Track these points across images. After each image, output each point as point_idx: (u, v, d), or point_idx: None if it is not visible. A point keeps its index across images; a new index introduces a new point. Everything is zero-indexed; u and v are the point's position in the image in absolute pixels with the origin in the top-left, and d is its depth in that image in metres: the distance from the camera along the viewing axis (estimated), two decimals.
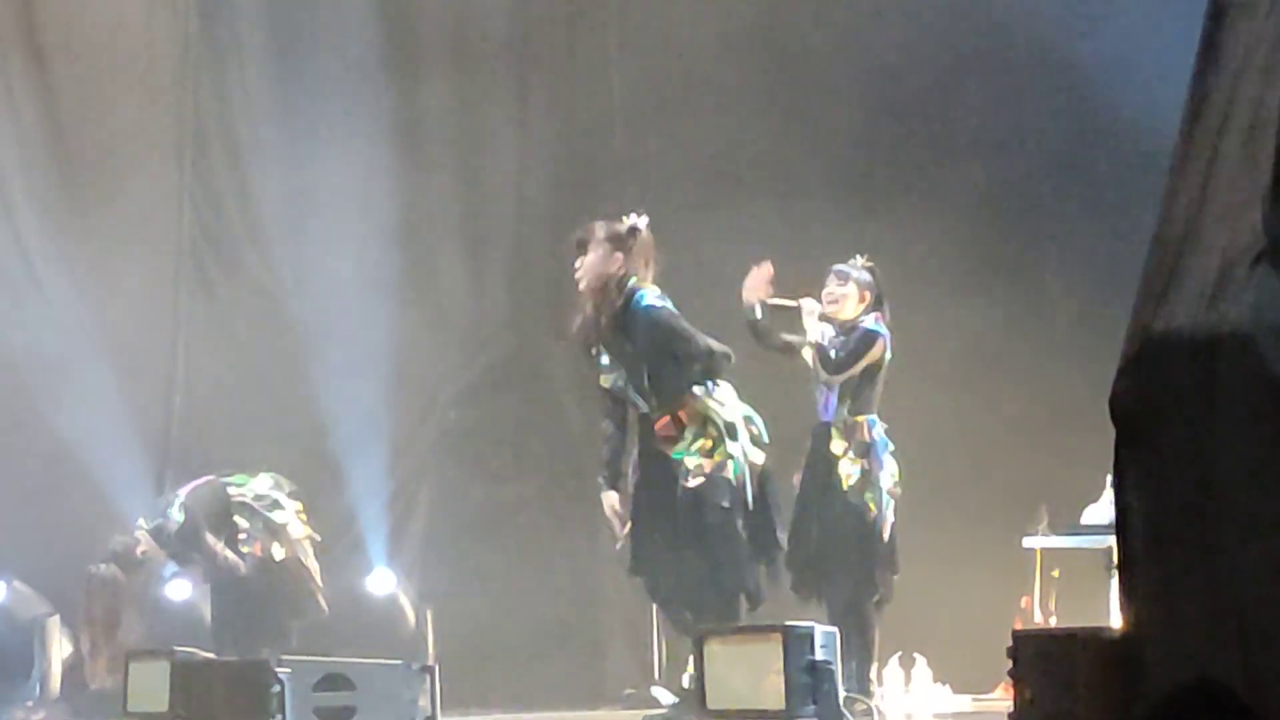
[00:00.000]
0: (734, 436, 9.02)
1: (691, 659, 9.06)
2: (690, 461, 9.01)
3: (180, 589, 11.27)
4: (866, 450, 9.60)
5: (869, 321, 9.71)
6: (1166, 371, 3.80)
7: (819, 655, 8.16)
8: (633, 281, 9.05)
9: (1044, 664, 4.66)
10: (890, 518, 9.51)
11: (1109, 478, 8.32)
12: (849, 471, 9.55)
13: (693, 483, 8.99)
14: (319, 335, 12.01)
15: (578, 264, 9.07)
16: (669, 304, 9.09)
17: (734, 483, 9.00)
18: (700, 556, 8.93)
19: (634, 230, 9.10)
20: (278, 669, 8.92)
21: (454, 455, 12.70)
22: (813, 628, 8.49)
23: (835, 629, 8.60)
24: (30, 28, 12.35)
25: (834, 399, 9.67)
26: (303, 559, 10.98)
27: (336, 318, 12.24)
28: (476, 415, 12.70)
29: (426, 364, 12.71)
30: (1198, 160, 3.98)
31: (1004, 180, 12.33)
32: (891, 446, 9.69)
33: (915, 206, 12.21)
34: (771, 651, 8.07)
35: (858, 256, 9.88)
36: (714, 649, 8.40)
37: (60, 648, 10.95)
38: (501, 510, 12.69)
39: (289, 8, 12.81)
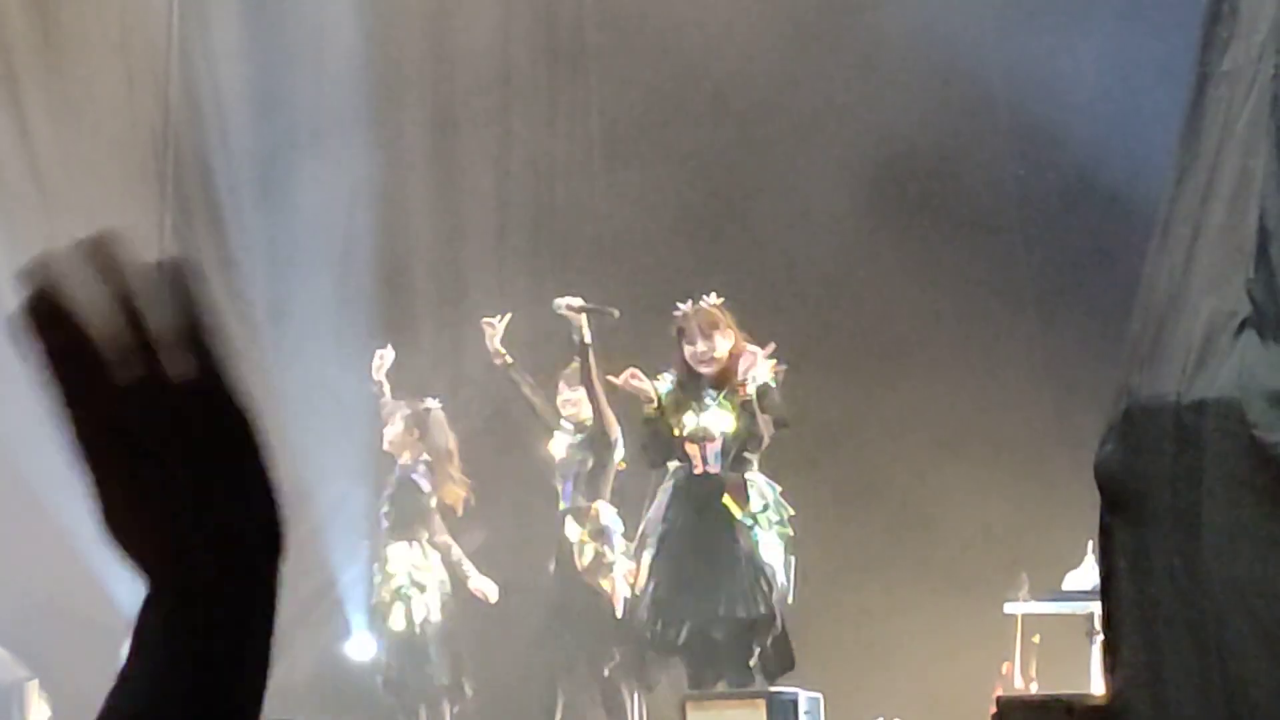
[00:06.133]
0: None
1: None
2: (759, 530, 9.24)
3: None
4: (601, 534, 10.15)
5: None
6: (1152, 436, 3.81)
7: None
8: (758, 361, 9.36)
9: None
10: (625, 594, 9.97)
11: (1090, 543, 8.31)
12: (584, 554, 10.11)
13: (760, 543, 9.19)
14: (298, 398, 11.96)
15: (703, 346, 9.32)
16: None
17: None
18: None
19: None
20: None
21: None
22: (796, 694, 8.49)
23: (819, 695, 8.60)
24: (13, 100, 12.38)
25: (570, 487, 10.27)
26: None
27: (315, 380, 12.21)
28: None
29: None
30: (1182, 228, 4.01)
31: (986, 247, 12.36)
32: (623, 528, 10.14)
33: (909, 274, 12.26)
34: (755, 717, 8.05)
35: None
36: (697, 715, 8.39)
37: (39, 712, 10.89)
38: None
39: (273, 67, 12.83)
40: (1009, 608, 10.20)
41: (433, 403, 11.14)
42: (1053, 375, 11.74)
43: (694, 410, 9.32)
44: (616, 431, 10.08)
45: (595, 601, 10.09)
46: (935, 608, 11.28)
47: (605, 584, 10.07)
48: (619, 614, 9.98)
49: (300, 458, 11.59)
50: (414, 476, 11.03)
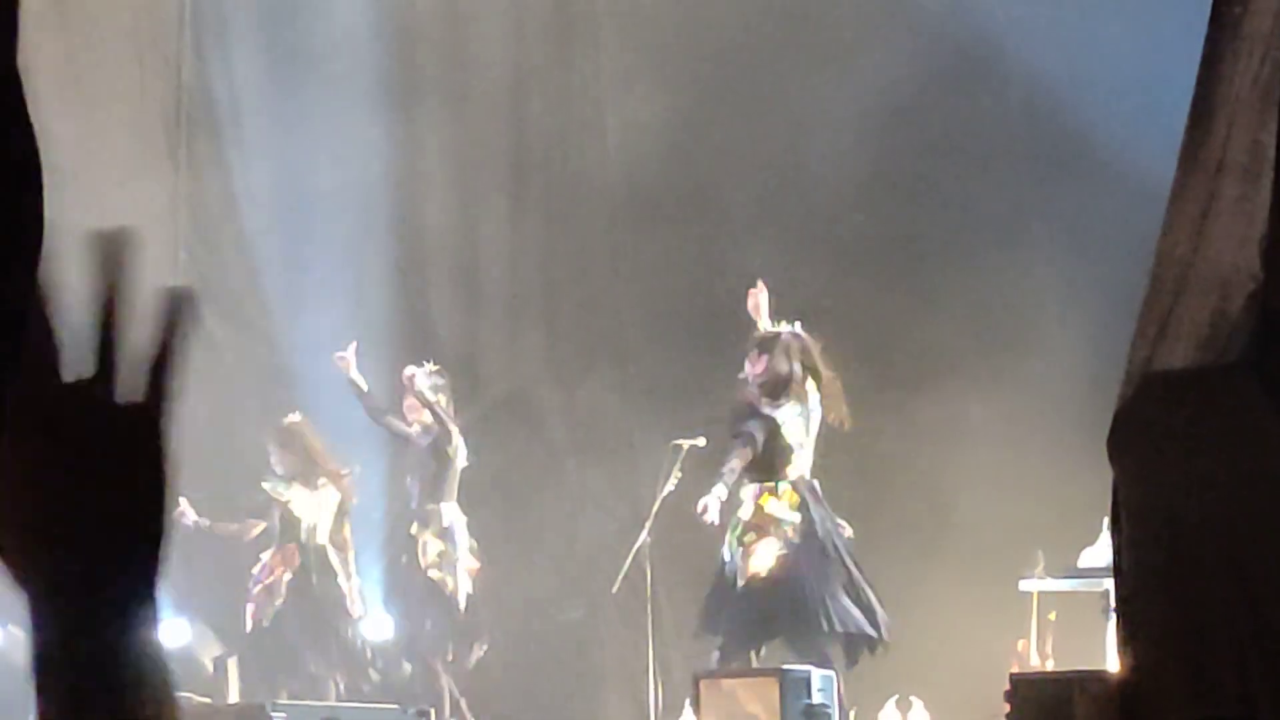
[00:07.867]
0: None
1: (689, 701, 9.07)
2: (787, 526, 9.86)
3: None
4: (444, 534, 10.91)
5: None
6: (1164, 410, 3.80)
7: (816, 699, 8.16)
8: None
9: (1042, 707, 4.65)
10: (468, 590, 10.81)
11: (1105, 521, 8.31)
12: (429, 552, 10.85)
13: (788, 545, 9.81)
14: (315, 379, 11.98)
15: (754, 363, 9.99)
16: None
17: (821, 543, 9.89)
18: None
19: (796, 335, 10.10)
20: (274, 714, 8.91)
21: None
22: (809, 671, 8.49)
23: (832, 673, 8.60)
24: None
25: (417, 489, 11.05)
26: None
27: (332, 362, 12.22)
28: (472, 459, 12.71)
29: None
30: (1194, 202, 4.00)
31: (998, 225, 12.35)
32: (464, 521, 10.97)
33: (918, 254, 12.26)
34: (768, 695, 8.05)
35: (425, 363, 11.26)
36: (710, 692, 8.39)
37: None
38: (497, 553, 12.67)
39: (285, 48, 12.85)
40: (1025, 585, 10.20)
41: (294, 417, 11.59)
42: (1067, 353, 11.73)
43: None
44: (456, 438, 10.90)
45: (438, 597, 10.78)
46: (951, 585, 11.27)
47: (449, 580, 10.71)
48: (462, 608, 10.75)
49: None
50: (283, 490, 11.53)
